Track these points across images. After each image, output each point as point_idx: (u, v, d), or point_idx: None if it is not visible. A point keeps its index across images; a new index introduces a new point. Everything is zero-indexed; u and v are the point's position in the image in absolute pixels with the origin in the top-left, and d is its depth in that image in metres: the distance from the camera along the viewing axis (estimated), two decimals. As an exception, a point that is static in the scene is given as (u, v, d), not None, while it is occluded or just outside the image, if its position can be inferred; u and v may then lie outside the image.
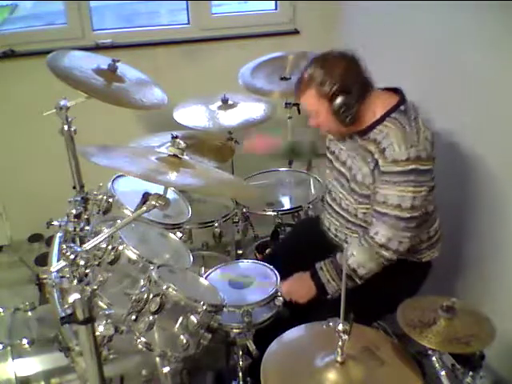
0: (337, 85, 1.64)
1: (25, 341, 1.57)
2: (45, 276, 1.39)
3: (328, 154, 1.97)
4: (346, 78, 1.65)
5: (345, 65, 1.66)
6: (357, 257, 1.71)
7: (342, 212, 1.88)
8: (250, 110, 2.49)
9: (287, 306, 1.74)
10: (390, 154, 1.64)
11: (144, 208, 1.28)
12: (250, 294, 1.73)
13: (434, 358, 1.36)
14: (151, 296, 1.38)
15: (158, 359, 1.49)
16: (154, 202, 1.28)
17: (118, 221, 1.45)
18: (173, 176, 1.39)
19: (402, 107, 1.70)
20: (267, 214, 2.29)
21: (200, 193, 2.36)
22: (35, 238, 2.92)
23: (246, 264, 1.95)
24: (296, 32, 3.09)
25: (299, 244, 2.06)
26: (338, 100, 1.65)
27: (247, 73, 2.56)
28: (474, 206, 2.14)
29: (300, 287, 1.78)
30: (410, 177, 1.62)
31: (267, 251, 2.31)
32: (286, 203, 2.40)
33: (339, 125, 1.71)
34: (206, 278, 1.73)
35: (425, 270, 1.91)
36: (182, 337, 1.39)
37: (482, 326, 1.33)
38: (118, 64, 2.05)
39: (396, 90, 1.76)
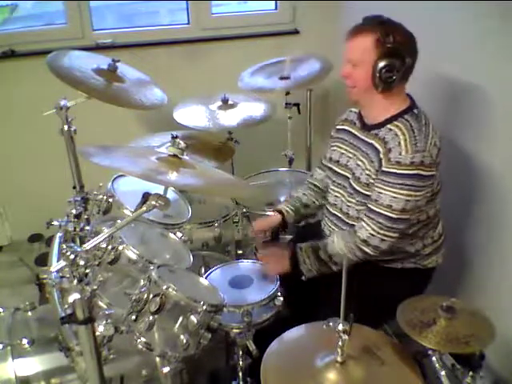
0: (397, 46, 1.61)
1: (25, 341, 1.57)
2: (45, 276, 1.39)
3: (331, 165, 1.94)
4: (406, 48, 1.64)
5: (410, 38, 1.66)
6: (335, 244, 1.67)
7: (343, 217, 1.87)
8: (250, 109, 2.49)
9: (287, 305, 1.73)
10: (394, 155, 1.63)
11: (144, 208, 1.28)
12: (250, 294, 1.73)
13: (434, 358, 1.35)
14: (151, 296, 1.37)
15: (157, 359, 1.48)
16: (153, 202, 1.27)
17: (118, 221, 1.46)
18: (173, 176, 1.38)
19: (415, 110, 1.70)
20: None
21: (200, 193, 2.36)
22: (35, 238, 2.91)
23: (245, 264, 1.95)
24: (296, 32, 3.09)
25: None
26: (388, 60, 1.62)
27: (247, 75, 2.57)
28: (474, 207, 2.14)
29: (275, 259, 1.85)
30: (409, 181, 1.61)
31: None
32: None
33: (369, 86, 1.68)
34: (206, 278, 1.73)
35: (428, 276, 1.91)
36: (182, 337, 1.39)
37: (482, 326, 1.33)
38: (118, 64, 2.05)
39: (407, 95, 1.76)
